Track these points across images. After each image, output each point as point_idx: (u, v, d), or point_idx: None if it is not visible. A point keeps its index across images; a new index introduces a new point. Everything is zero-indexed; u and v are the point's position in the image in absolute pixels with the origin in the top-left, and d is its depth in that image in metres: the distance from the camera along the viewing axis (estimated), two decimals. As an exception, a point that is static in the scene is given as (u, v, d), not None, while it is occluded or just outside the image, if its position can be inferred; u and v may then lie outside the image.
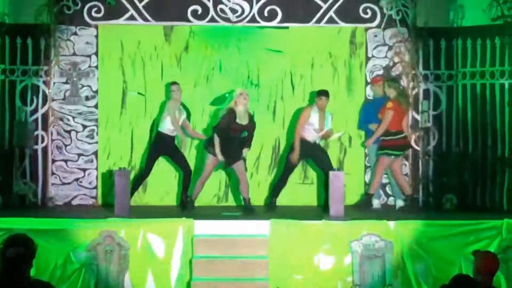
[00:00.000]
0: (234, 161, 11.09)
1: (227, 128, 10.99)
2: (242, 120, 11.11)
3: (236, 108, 11.07)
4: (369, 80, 12.32)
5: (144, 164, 11.66)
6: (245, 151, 11.17)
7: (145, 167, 11.50)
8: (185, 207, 11.19)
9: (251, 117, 11.29)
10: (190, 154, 12.02)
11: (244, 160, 11.20)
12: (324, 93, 11.50)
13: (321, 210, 11.26)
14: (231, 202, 12.23)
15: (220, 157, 10.99)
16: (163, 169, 12.10)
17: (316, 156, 11.62)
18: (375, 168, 11.67)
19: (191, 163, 11.80)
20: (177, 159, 11.63)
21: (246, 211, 11.01)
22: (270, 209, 11.41)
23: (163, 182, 12.15)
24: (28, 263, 5.36)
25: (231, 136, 11.02)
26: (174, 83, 11.58)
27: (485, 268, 6.53)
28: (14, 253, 5.31)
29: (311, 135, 11.47)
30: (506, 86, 11.68)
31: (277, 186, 11.67)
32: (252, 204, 11.21)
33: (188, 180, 11.50)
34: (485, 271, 6.51)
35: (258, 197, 12.04)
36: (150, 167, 11.46)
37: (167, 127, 11.40)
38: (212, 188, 12.08)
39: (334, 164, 11.96)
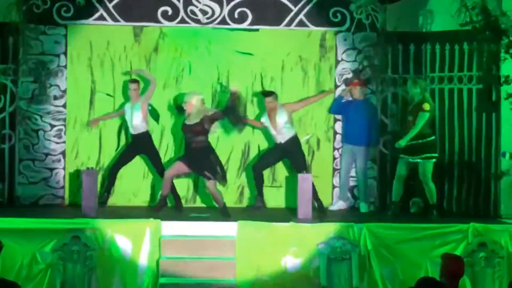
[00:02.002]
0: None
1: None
2: (192, 120, 11.08)
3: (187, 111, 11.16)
4: (338, 84, 12.36)
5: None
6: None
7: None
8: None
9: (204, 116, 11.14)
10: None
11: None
12: (266, 95, 11.77)
13: (290, 213, 11.29)
14: (199, 203, 12.20)
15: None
16: (131, 170, 12.06)
17: (289, 156, 11.76)
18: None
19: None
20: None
21: (224, 216, 10.95)
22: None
23: (130, 183, 12.10)
24: (-7, 261, 5.33)
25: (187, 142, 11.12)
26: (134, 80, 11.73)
27: (451, 271, 6.58)
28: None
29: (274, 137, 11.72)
30: (474, 91, 11.77)
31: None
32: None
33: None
34: (451, 274, 6.57)
35: (227, 199, 12.04)
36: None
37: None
38: (179, 190, 12.05)
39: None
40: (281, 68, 12.39)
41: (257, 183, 11.76)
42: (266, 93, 11.82)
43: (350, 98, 12.17)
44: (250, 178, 12.01)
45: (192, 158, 10.94)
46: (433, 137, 11.21)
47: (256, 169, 11.76)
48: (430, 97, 11.48)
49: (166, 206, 11.11)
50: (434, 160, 11.14)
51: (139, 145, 11.71)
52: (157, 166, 11.69)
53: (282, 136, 11.66)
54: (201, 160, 10.92)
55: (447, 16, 11.66)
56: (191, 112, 11.04)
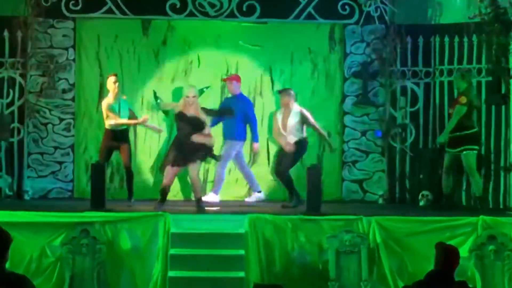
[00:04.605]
0: (184, 163, 10.69)
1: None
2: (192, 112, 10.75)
3: (184, 109, 10.74)
4: (346, 77, 12.35)
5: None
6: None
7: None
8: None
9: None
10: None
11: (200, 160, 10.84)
12: (280, 92, 11.54)
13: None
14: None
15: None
16: (141, 164, 12.08)
17: (279, 155, 11.59)
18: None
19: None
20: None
21: (198, 210, 10.69)
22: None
23: (139, 177, 12.09)
24: (1, 255, 5.31)
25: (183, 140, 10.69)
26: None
27: (446, 261, 6.57)
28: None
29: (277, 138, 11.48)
30: (483, 84, 11.75)
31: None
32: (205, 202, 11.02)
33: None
34: (446, 264, 6.56)
35: (236, 193, 12.11)
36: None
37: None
38: (189, 185, 12.08)
39: (313, 160, 11.99)
40: (290, 60, 12.37)
41: (287, 185, 11.45)
42: (280, 91, 11.59)
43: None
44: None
45: (185, 150, 10.64)
46: (474, 130, 11.15)
47: (279, 174, 11.49)
48: (475, 89, 11.43)
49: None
50: (475, 152, 11.10)
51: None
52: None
53: (290, 137, 11.31)
54: (196, 148, 10.70)
55: (456, 8, 11.65)
56: (188, 106, 10.75)
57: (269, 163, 12.40)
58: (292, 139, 11.27)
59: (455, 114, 10.97)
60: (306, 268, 9.85)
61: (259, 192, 11.98)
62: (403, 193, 12.26)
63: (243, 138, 11.81)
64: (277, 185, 12.22)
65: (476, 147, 11.13)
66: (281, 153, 11.50)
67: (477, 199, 11.25)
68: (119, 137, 11.20)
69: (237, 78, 11.92)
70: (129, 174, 11.32)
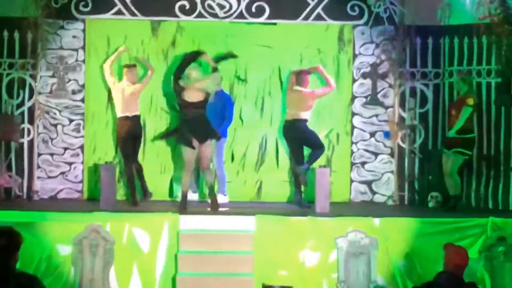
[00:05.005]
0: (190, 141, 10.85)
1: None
2: (192, 98, 10.93)
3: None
4: (356, 78, 12.34)
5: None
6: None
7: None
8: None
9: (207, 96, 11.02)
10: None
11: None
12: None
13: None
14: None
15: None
16: (149, 163, 12.10)
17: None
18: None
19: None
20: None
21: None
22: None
23: (148, 178, 12.09)
24: (12, 255, 5.34)
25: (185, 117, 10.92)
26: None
27: (454, 262, 6.59)
28: (-3, 245, 5.29)
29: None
30: (493, 85, 11.73)
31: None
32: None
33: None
34: (455, 265, 6.57)
35: (245, 194, 12.10)
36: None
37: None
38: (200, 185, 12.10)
39: (323, 161, 11.98)
40: (300, 61, 12.36)
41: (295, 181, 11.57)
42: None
43: None
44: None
45: (195, 128, 10.84)
46: (472, 135, 11.16)
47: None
48: (475, 92, 11.42)
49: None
50: (466, 157, 11.09)
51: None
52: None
53: None
54: (204, 124, 10.88)
55: (465, 9, 11.63)
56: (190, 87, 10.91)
57: (278, 165, 12.38)
58: None
59: (464, 115, 10.95)
60: (315, 269, 9.84)
61: (194, 192, 11.91)
62: (412, 194, 12.24)
63: (224, 135, 11.77)
64: (286, 186, 12.23)
65: (469, 152, 11.11)
66: None
67: (453, 198, 11.21)
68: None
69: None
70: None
